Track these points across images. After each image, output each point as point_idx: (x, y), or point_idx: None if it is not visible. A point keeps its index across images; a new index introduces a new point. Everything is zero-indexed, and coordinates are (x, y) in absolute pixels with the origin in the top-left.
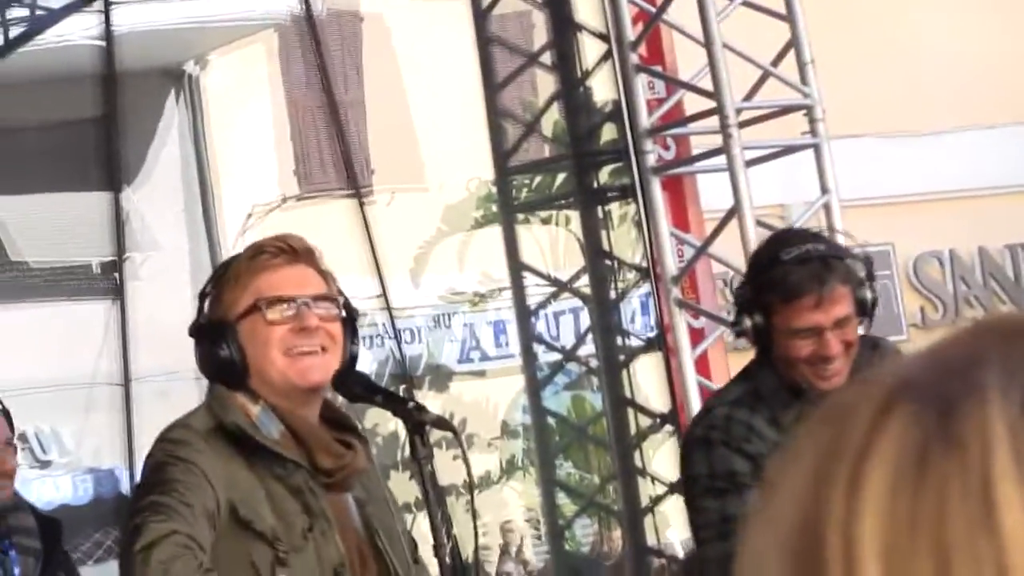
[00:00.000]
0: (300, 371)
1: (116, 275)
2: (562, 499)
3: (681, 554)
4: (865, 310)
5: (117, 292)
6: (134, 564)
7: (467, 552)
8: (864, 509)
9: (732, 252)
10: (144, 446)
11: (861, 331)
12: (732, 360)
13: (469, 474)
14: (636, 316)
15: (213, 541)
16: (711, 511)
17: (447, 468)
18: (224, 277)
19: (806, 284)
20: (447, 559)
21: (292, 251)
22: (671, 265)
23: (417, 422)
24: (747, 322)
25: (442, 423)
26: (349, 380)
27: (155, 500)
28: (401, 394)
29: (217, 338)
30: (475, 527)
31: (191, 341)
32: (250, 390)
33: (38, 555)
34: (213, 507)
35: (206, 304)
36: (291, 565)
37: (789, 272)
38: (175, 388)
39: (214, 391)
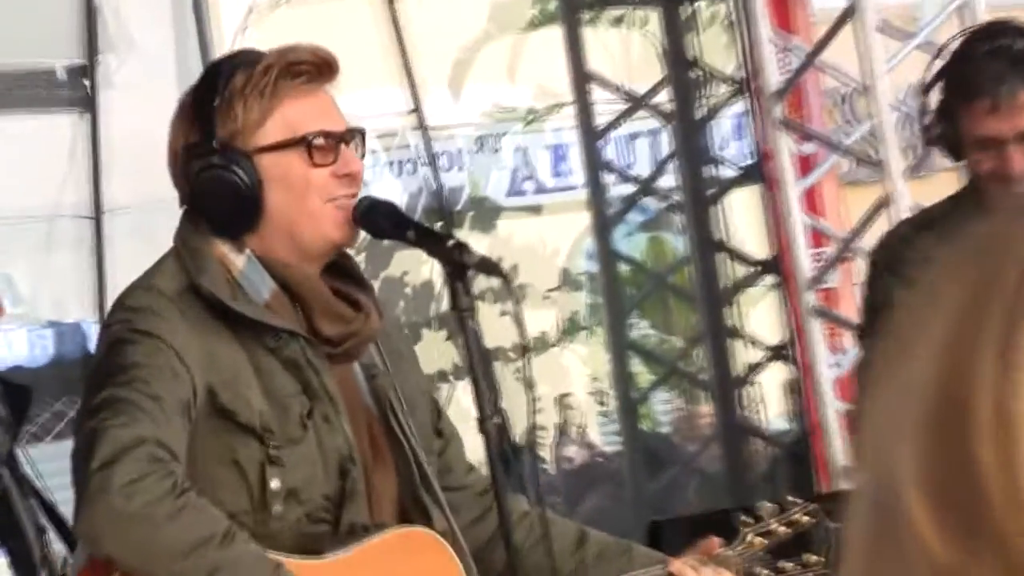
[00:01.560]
0: (341, 226)
1: (85, 82)
2: (637, 366)
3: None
4: None
5: (87, 103)
6: (91, 486)
7: (518, 431)
8: (1022, 381)
9: (848, 61)
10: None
11: None
12: (849, 194)
13: (522, 332)
14: (729, 140)
15: (189, 437)
16: (861, 357)
17: (494, 326)
18: (234, 90)
19: (984, 84)
20: (495, 437)
21: (328, 70)
22: (773, 77)
23: (458, 264)
24: (935, 129)
25: (489, 266)
26: (374, 212)
27: (113, 395)
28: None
29: (232, 166)
30: (530, 400)
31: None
32: (237, 237)
33: (8, 425)
34: (188, 396)
35: (208, 120)
36: (286, 464)
37: (971, 68)
38: (157, 223)
39: (188, 238)
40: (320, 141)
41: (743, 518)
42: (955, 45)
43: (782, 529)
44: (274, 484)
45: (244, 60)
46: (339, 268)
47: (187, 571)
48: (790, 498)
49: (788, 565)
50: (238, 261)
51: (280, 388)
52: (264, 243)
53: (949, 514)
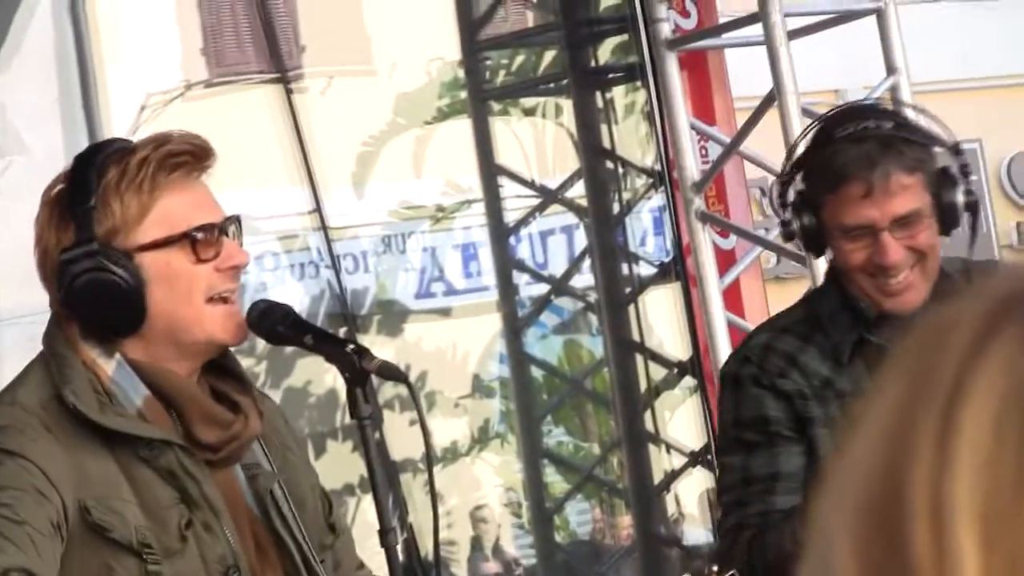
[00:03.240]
0: (225, 325)
1: None
2: (551, 475)
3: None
4: (949, 215)
5: None
6: None
7: (426, 547)
8: (958, 463)
9: (771, 151)
10: None
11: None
12: (772, 291)
13: (428, 443)
14: (647, 235)
15: (63, 557)
16: (734, 470)
17: (401, 436)
18: (109, 183)
19: (852, 167)
20: (398, 555)
21: (205, 158)
22: (692, 168)
23: (358, 370)
24: (796, 222)
25: (391, 371)
26: (270, 316)
27: None
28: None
29: (108, 268)
30: (435, 513)
31: None
32: (108, 340)
33: None
34: (57, 517)
35: (82, 220)
36: None
37: (837, 153)
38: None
39: (54, 344)
40: (202, 235)
41: None
42: (811, 132)
43: None
44: None
45: (116, 151)
46: (217, 366)
47: None
48: (713, 568)
49: None
50: (108, 366)
51: (157, 500)
52: (139, 346)
53: None
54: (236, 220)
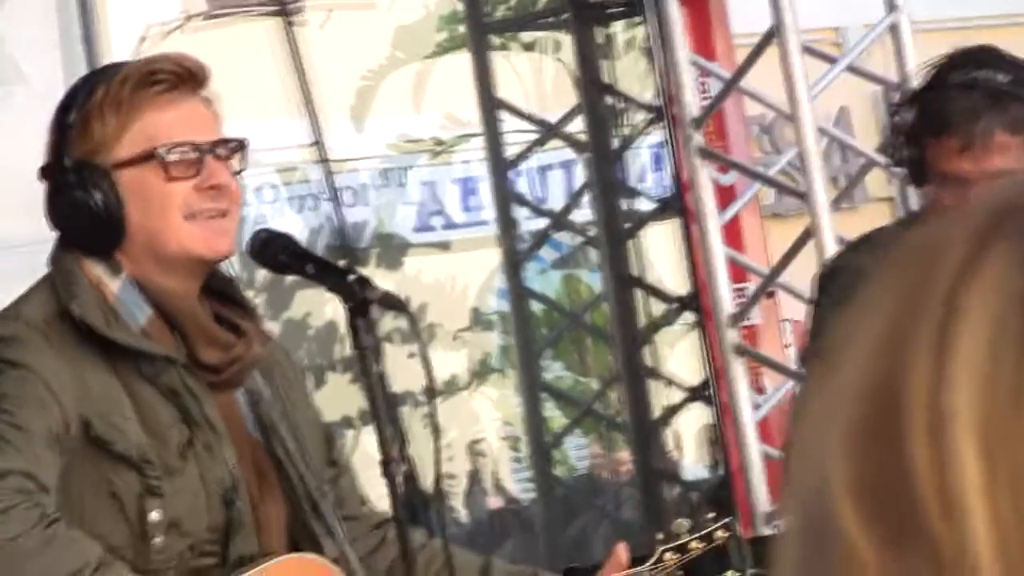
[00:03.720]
0: (207, 240)
1: None
2: (550, 410)
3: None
4: None
5: None
6: None
7: (426, 479)
8: (957, 375)
9: (771, 87)
10: None
11: None
12: (772, 227)
13: (429, 375)
14: (646, 171)
15: (64, 469)
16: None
17: (401, 369)
18: (93, 103)
19: (955, 118)
20: (400, 485)
21: (191, 78)
22: (692, 104)
23: (360, 300)
24: (901, 152)
25: (392, 302)
26: (271, 245)
27: None
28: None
29: (87, 185)
30: (437, 446)
31: None
32: (110, 259)
33: None
34: (58, 427)
35: (67, 138)
36: (165, 494)
37: (945, 100)
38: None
39: (60, 261)
40: (174, 154)
41: (657, 535)
42: (930, 70)
43: (697, 544)
44: (154, 516)
45: (106, 73)
46: (221, 293)
47: None
48: (709, 515)
49: None
50: (113, 284)
51: (158, 417)
52: (138, 263)
53: (881, 519)
54: (231, 143)
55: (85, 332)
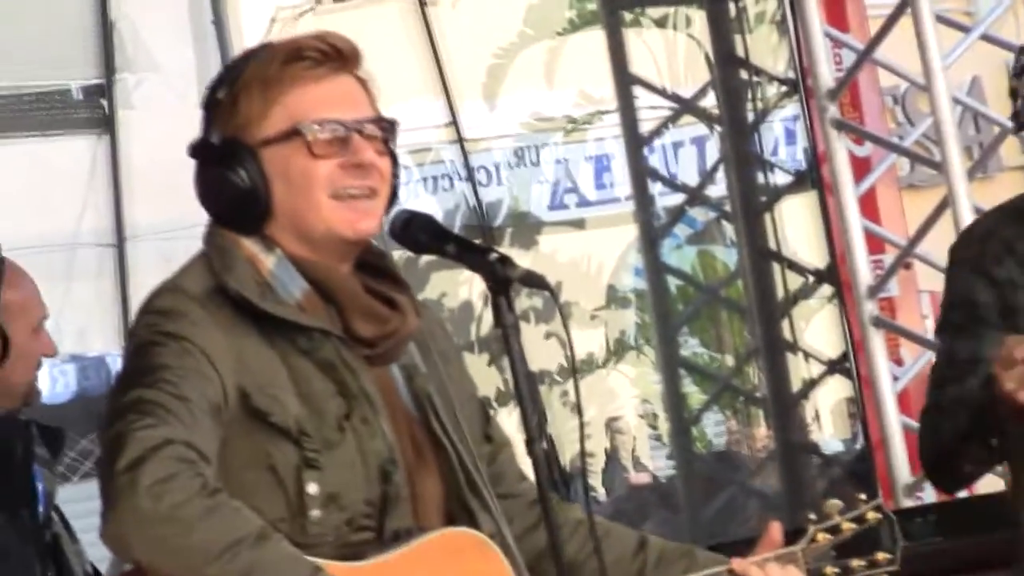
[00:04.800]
0: (350, 220)
1: (104, 102)
2: (688, 386)
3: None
4: None
5: (105, 124)
6: (117, 489)
7: (567, 458)
8: None
9: (905, 57)
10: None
11: None
12: (908, 198)
13: (571, 350)
14: (780, 144)
15: (222, 441)
16: (940, 351)
17: (538, 348)
18: (242, 81)
19: None
20: (543, 462)
21: (339, 56)
22: (826, 76)
23: (501, 279)
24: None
25: (534, 280)
26: (411, 225)
27: (140, 397)
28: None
29: (232, 163)
30: (581, 423)
31: None
32: (264, 236)
33: (52, 467)
34: (217, 398)
35: (216, 116)
36: (323, 467)
37: None
38: (183, 249)
39: (215, 238)
40: (318, 131)
41: (809, 515)
42: None
43: (849, 526)
44: (311, 488)
45: (255, 53)
46: (375, 268)
47: (219, 573)
48: (860, 495)
49: (856, 563)
50: (268, 260)
51: (315, 390)
52: (292, 239)
53: None
54: (381, 121)
55: (241, 306)
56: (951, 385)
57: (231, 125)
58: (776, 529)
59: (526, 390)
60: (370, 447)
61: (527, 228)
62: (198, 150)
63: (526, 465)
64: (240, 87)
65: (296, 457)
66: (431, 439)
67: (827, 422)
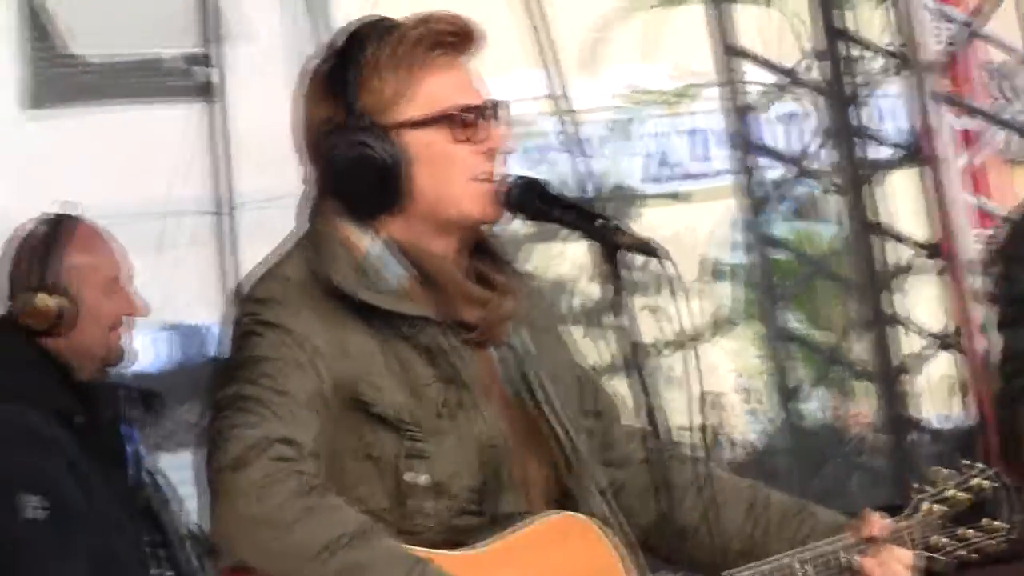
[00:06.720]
0: (484, 205)
1: (204, 70)
2: (788, 360)
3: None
4: None
5: (203, 92)
6: (219, 489)
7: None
8: None
9: (1010, 33)
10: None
11: None
12: (1017, 173)
13: (680, 322)
14: (886, 117)
15: (323, 432)
16: (1006, 345)
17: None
18: (372, 62)
19: None
20: (661, 430)
21: (469, 39)
22: (931, 48)
23: (612, 245)
24: None
25: (644, 246)
26: (526, 191)
27: (240, 392)
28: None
29: (374, 142)
30: (700, 389)
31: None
32: (370, 219)
33: (146, 429)
34: (317, 389)
35: (343, 94)
36: (427, 455)
37: None
38: (280, 219)
39: (315, 221)
40: (463, 116)
41: (916, 485)
42: None
43: (960, 495)
44: (415, 477)
45: (382, 28)
46: (477, 246)
47: (321, 572)
48: (966, 462)
49: (969, 532)
50: (368, 245)
51: (417, 377)
52: (399, 224)
53: None
54: (499, 104)
55: (341, 293)
56: (1017, 379)
57: (364, 105)
58: (874, 520)
59: (638, 359)
60: (473, 432)
61: (625, 201)
62: (332, 126)
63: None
64: (372, 67)
65: (399, 446)
66: (534, 421)
67: (933, 396)
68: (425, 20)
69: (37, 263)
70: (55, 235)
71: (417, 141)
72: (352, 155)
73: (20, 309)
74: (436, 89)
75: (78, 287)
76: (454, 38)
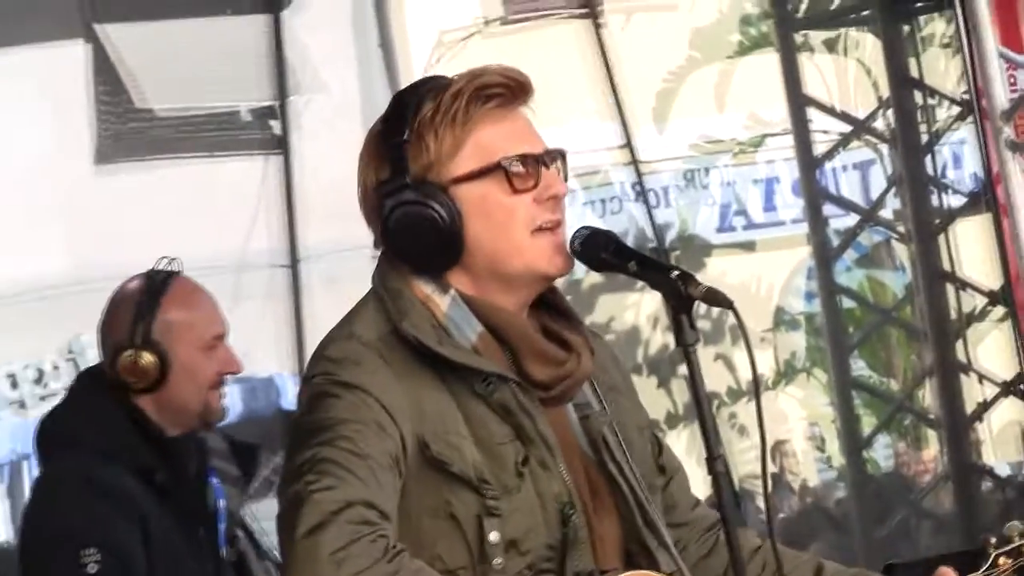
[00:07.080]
0: (550, 257)
1: (274, 124)
2: (858, 408)
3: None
4: None
5: (275, 145)
6: (298, 556)
7: (736, 479)
8: None
9: None
10: (314, 348)
11: None
12: None
13: (753, 367)
14: (954, 166)
15: (401, 492)
16: None
17: (706, 371)
18: (426, 119)
19: None
20: (725, 482)
21: (521, 90)
22: (1001, 96)
23: (683, 297)
24: None
25: (716, 297)
26: (593, 242)
27: (317, 454)
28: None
29: (431, 202)
30: (763, 440)
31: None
32: (439, 276)
33: (240, 484)
34: (396, 450)
35: (400, 155)
36: (504, 514)
37: None
38: (350, 270)
39: (387, 280)
40: (518, 166)
41: (990, 539)
42: None
43: None
44: (493, 536)
45: (432, 87)
46: (545, 303)
47: None
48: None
49: None
50: (442, 302)
51: (492, 435)
52: (467, 280)
53: None
54: (559, 153)
55: (417, 350)
56: None
57: (418, 164)
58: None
59: (707, 409)
60: (549, 490)
61: (695, 250)
62: (387, 188)
63: (699, 487)
64: (423, 125)
65: (476, 505)
66: (607, 479)
67: (1001, 444)
68: (476, 74)
69: (132, 319)
70: (152, 291)
71: (471, 194)
72: (405, 215)
73: (112, 364)
74: (488, 140)
75: (172, 344)
76: (506, 89)
